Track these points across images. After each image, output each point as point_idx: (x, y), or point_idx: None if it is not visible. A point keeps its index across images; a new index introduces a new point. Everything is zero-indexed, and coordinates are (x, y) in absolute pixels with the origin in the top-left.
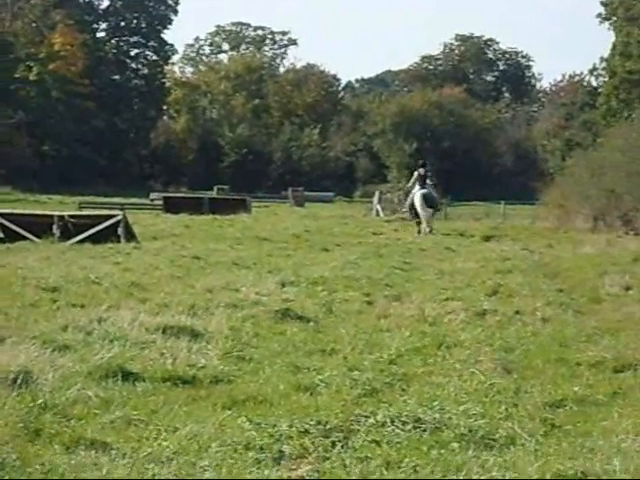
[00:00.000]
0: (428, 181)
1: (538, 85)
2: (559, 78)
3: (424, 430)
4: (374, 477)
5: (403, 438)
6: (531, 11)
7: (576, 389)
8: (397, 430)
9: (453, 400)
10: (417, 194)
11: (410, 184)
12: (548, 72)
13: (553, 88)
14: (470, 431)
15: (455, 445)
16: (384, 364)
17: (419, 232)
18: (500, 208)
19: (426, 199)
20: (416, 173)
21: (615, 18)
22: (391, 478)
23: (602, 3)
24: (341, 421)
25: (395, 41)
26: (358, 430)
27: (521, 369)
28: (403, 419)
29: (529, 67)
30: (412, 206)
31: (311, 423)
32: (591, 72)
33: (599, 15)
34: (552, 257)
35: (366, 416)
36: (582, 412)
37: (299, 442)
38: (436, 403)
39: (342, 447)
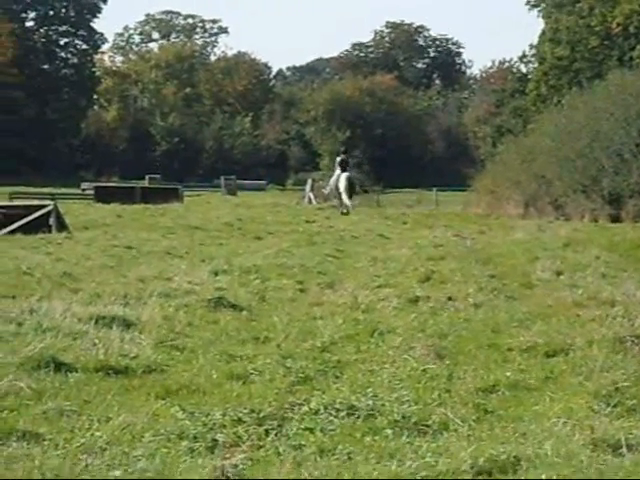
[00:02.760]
0: (348, 168)
1: (469, 72)
2: (489, 65)
3: (358, 417)
4: (308, 464)
5: (337, 425)
6: None
7: (508, 374)
8: (331, 417)
9: (386, 387)
10: (342, 176)
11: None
12: (478, 59)
13: (483, 75)
14: (403, 417)
15: (389, 431)
16: (317, 352)
17: (342, 213)
18: (432, 195)
19: (349, 182)
20: (338, 158)
21: (544, 5)
22: (325, 465)
23: None
24: (275, 409)
25: (326, 29)
26: (292, 418)
27: (454, 355)
28: (337, 406)
29: (459, 54)
30: (336, 188)
31: (245, 412)
32: (521, 59)
33: (528, 2)
34: (484, 243)
35: (300, 404)
36: (514, 397)
37: (233, 431)
38: (369, 390)
39: (276, 435)
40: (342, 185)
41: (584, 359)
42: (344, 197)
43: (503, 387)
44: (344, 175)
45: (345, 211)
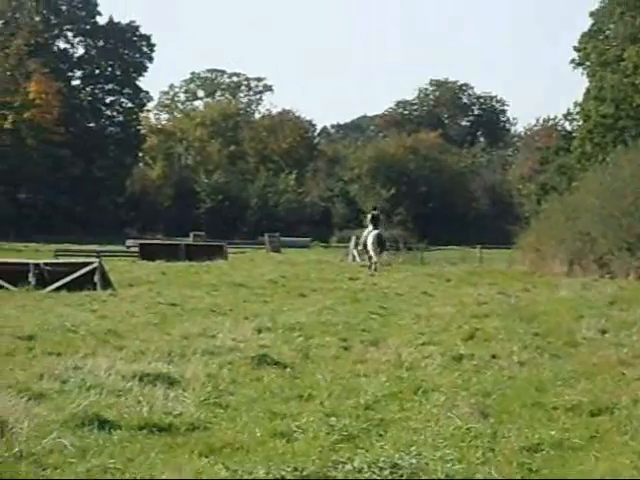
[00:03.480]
0: (379, 224)
1: (513, 129)
2: (534, 122)
3: (401, 476)
4: None
5: None
6: (506, 56)
7: (553, 433)
8: (374, 476)
9: (430, 445)
10: (371, 234)
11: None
12: (523, 117)
13: (528, 132)
14: (447, 476)
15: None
16: (361, 409)
17: (370, 268)
18: (476, 252)
19: (378, 239)
20: (369, 216)
21: (588, 63)
22: None
23: (575, 49)
24: (318, 467)
25: (370, 86)
26: (335, 476)
27: (498, 413)
28: (380, 465)
29: (504, 112)
30: (365, 245)
31: (288, 470)
32: (565, 117)
33: (573, 61)
34: (528, 301)
35: (343, 462)
36: (559, 456)
37: None
38: (413, 448)
39: None
40: (370, 242)
41: (629, 418)
42: (372, 254)
43: (548, 446)
44: (374, 232)
45: (374, 268)
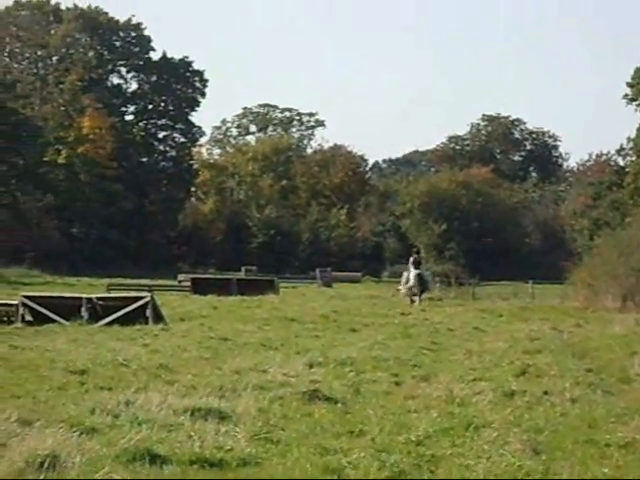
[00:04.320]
0: (421, 265)
1: (565, 164)
2: (586, 157)
3: None
4: None
5: None
6: (557, 91)
7: (606, 470)
8: None
9: None
10: (412, 273)
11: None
12: (575, 152)
13: (580, 167)
14: None
15: None
16: (412, 445)
17: (413, 302)
18: (528, 287)
19: (420, 279)
20: (411, 258)
21: None
22: None
23: (628, 85)
24: None
25: (422, 121)
26: None
27: (550, 450)
28: None
29: (556, 147)
30: (407, 284)
31: None
32: (618, 152)
33: (625, 96)
34: (581, 337)
35: None
36: None
37: None
38: None
39: None
40: (412, 282)
41: None
42: (415, 291)
43: None
44: (414, 272)
45: (416, 305)
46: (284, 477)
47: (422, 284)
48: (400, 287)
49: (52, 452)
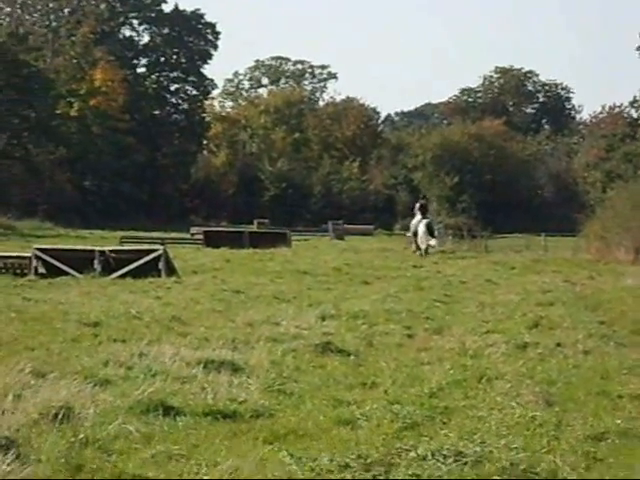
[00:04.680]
0: (427, 213)
1: (578, 117)
2: (599, 110)
3: (465, 464)
4: None
5: (444, 472)
6: (571, 43)
7: (618, 422)
8: (438, 464)
9: (494, 433)
10: (422, 222)
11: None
12: (588, 104)
13: (593, 120)
14: (512, 464)
15: (497, 479)
16: (425, 397)
17: (421, 254)
18: (541, 240)
19: (428, 227)
20: (418, 204)
21: None
22: None
23: None
24: (382, 455)
25: (435, 74)
26: (399, 464)
27: (563, 402)
28: (444, 453)
29: (569, 99)
30: (415, 232)
31: (352, 457)
32: (631, 104)
33: (639, 48)
34: (593, 289)
35: (407, 450)
36: (624, 445)
37: (340, 476)
38: (477, 436)
39: None
40: (421, 230)
41: None
42: (420, 241)
43: (613, 435)
44: (424, 221)
45: (421, 253)
46: (297, 428)
47: (430, 232)
48: (408, 234)
49: (66, 403)
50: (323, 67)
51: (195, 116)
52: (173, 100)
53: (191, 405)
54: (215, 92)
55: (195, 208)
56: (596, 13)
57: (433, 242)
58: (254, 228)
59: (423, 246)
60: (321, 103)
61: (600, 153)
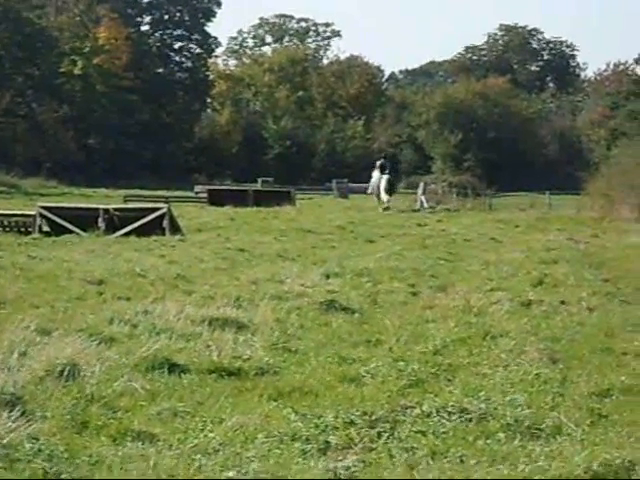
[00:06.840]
0: (386, 171)
1: (583, 75)
2: (604, 67)
3: (470, 420)
4: (420, 467)
5: (449, 428)
6: (575, 0)
7: (623, 379)
8: (443, 420)
9: (499, 390)
10: (383, 178)
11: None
12: (593, 62)
13: (598, 77)
14: (516, 421)
15: (501, 435)
16: (429, 355)
17: (383, 209)
18: (545, 198)
19: (389, 183)
20: (378, 162)
21: None
22: (437, 467)
23: None
24: (387, 412)
25: (438, 32)
26: (404, 421)
27: (567, 359)
28: (449, 409)
29: (574, 57)
30: (377, 187)
31: (357, 414)
32: (636, 61)
33: None
34: (597, 247)
35: (412, 407)
36: (629, 402)
37: (345, 433)
38: (482, 393)
39: (388, 438)
40: (382, 186)
41: None
42: (382, 195)
43: (617, 392)
44: (385, 177)
45: (385, 207)
46: (302, 386)
47: (391, 187)
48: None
49: (71, 361)
50: (327, 25)
51: (199, 74)
52: (177, 58)
53: (196, 362)
54: (219, 50)
55: (199, 166)
56: None
57: (385, 197)
58: (258, 186)
59: (385, 198)
60: (325, 61)
61: (605, 111)
